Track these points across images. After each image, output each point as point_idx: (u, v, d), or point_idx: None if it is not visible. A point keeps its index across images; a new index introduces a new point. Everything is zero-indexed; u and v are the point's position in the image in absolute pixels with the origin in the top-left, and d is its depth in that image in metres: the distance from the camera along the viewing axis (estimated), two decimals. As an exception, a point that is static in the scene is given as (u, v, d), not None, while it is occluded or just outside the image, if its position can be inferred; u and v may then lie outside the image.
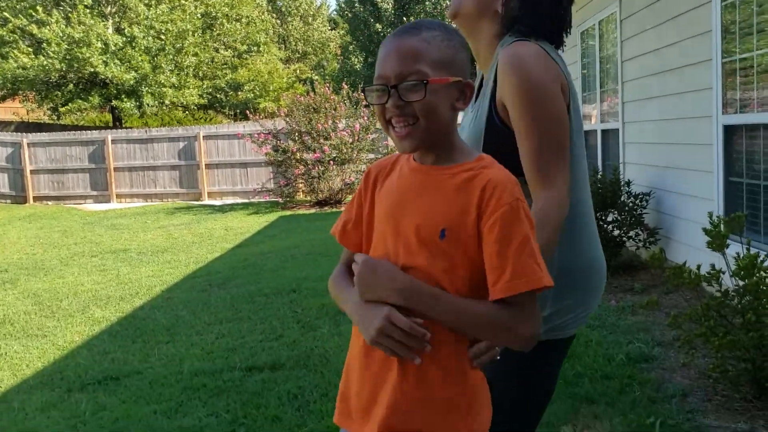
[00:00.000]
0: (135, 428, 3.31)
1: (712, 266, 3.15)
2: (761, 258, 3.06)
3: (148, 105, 20.72)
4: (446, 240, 1.25)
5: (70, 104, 20.65)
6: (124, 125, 22.76)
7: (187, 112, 25.26)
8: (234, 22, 23.70)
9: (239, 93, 24.13)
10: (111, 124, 23.14)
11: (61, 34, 19.34)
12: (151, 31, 20.41)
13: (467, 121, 1.76)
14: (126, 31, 20.25)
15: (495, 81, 1.63)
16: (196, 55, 21.66)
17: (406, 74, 1.26)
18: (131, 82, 19.95)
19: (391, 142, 15.43)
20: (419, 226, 1.28)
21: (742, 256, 3.09)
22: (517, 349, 1.29)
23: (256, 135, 13.77)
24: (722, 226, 3.25)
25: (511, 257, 1.21)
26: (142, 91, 20.42)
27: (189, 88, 21.54)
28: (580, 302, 1.69)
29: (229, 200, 15.77)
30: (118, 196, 16.41)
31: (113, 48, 19.93)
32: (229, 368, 4.08)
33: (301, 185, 13.61)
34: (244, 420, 3.32)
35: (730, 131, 4.56)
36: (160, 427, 3.30)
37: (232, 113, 27.34)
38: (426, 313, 1.25)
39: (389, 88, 1.27)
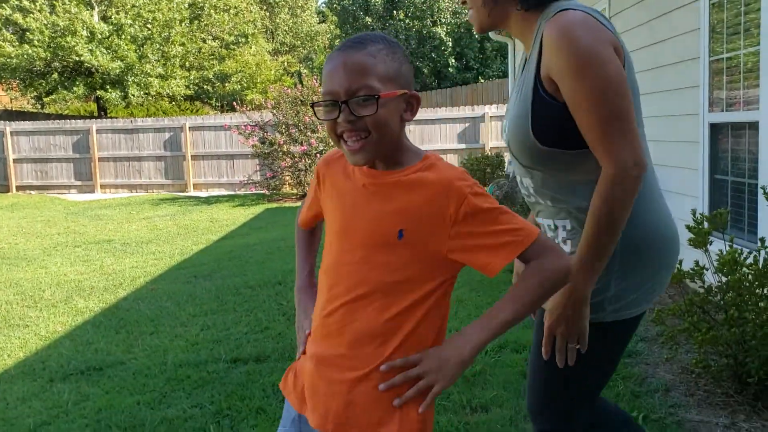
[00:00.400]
0: (118, 419, 3.28)
1: (696, 263, 3.18)
2: (744, 255, 3.09)
3: (133, 95, 20.54)
4: (404, 239, 1.32)
5: (54, 94, 20.42)
6: (109, 115, 22.57)
7: (173, 102, 25.07)
8: (222, 13, 23.54)
9: (226, 84, 23.99)
10: (96, 114, 22.94)
11: (45, 22, 19.11)
12: (138, 20, 20.22)
13: (511, 103, 1.71)
14: (112, 19, 20.03)
15: (539, 56, 1.56)
16: (183, 45, 21.49)
17: (355, 89, 1.29)
18: (117, 71, 19.76)
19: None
20: (374, 230, 1.34)
21: (724, 252, 3.11)
22: (567, 279, 1.37)
23: (243, 127, 13.70)
24: (705, 223, 3.27)
25: (502, 229, 1.31)
26: (128, 81, 20.24)
27: (175, 78, 21.37)
28: (649, 277, 1.62)
29: (215, 192, 15.71)
30: (103, 186, 16.28)
31: (99, 36, 19.73)
32: (214, 360, 4.06)
33: (287, 178, 13.57)
34: (228, 411, 3.31)
35: (716, 129, 4.60)
36: (144, 417, 3.28)
37: (219, 104, 27.20)
38: (498, 333, 1.35)
39: (340, 103, 1.29)
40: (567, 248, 1.65)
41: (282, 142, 13.00)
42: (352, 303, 1.36)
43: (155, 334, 4.70)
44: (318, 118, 1.36)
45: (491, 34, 12.05)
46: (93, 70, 20.11)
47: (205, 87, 23.74)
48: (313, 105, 1.35)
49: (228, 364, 3.99)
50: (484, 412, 3.14)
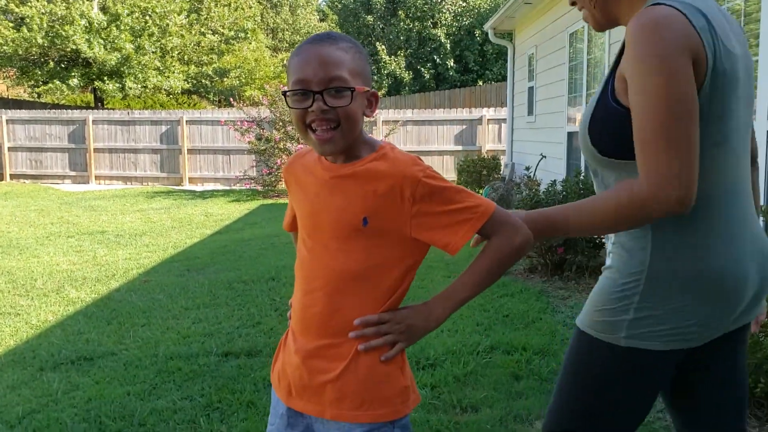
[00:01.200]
0: (108, 409, 3.28)
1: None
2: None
3: (131, 88, 20.47)
4: (370, 226, 1.37)
5: (49, 83, 20.32)
6: (105, 106, 22.50)
7: (170, 96, 25.02)
8: (222, 7, 23.50)
9: (224, 80, 23.95)
10: (92, 105, 22.86)
11: (42, 11, 19.03)
12: (136, 10, 20.14)
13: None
14: (110, 9, 19.95)
15: (620, 53, 1.45)
16: (181, 36, 21.42)
17: (328, 81, 1.32)
18: (113, 62, 19.68)
19: (374, 135, 15.38)
20: (337, 220, 1.40)
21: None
22: (524, 251, 1.43)
23: (239, 123, 13.69)
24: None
25: (458, 208, 1.36)
26: (125, 73, 20.16)
27: (173, 72, 21.30)
28: (682, 313, 1.44)
29: (210, 186, 15.69)
30: (97, 177, 16.24)
31: (97, 27, 19.66)
32: (205, 353, 4.06)
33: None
34: (219, 404, 3.31)
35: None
36: (134, 408, 3.28)
37: (217, 99, 27.14)
38: (458, 308, 1.45)
39: (313, 93, 1.32)
40: (609, 261, 1.55)
41: (278, 139, 12.99)
42: (331, 294, 1.41)
43: (147, 326, 4.70)
44: (289, 107, 1.38)
45: (492, 36, 12.07)
46: (90, 60, 20.03)
47: (203, 81, 23.69)
48: (285, 93, 1.37)
49: (219, 357, 3.99)
50: (474, 412, 3.15)
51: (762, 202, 3.60)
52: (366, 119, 1.46)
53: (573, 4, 1.62)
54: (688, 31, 1.33)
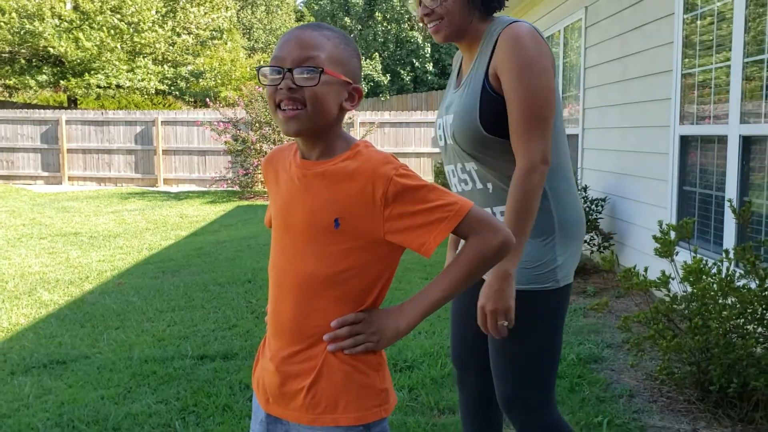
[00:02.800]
0: (81, 413, 3.23)
1: (663, 272, 3.23)
2: (709, 265, 3.15)
3: (100, 87, 20.14)
4: (341, 228, 1.35)
5: (17, 78, 19.93)
6: (79, 106, 22.17)
7: (145, 96, 24.73)
8: (198, 6, 23.26)
9: (200, 81, 23.73)
10: (66, 105, 22.52)
11: (14, 6, 18.69)
12: (108, 8, 19.84)
13: (456, 98, 1.93)
14: (81, 7, 19.63)
15: (491, 56, 1.83)
16: (154, 31, 21.07)
17: (301, 60, 1.32)
18: (83, 58, 19.34)
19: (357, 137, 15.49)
20: (309, 221, 1.37)
21: (689, 262, 3.17)
22: (505, 252, 1.40)
23: (216, 123, 13.59)
24: (671, 233, 3.33)
25: (432, 206, 1.32)
26: (95, 71, 19.83)
27: (146, 72, 21.01)
28: (577, 250, 1.92)
29: (186, 188, 15.54)
30: (71, 178, 16.01)
31: (67, 25, 19.35)
32: (181, 356, 4.02)
33: (259, 176, 13.49)
34: (194, 408, 3.27)
35: (686, 141, 4.68)
36: (108, 412, 3.23)
37: (192, 100, 26.90)
38: (431, 310, 1.41)
39: (284, 70, 1.33)
40: None
41: (255, 140, 12.91)
42: (301, 299, 1.39)
43: (121, 328, 4.64)
44: (261, 83, 1.38)
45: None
46: (61, 59, 19.71)
47: (179, 83, 23.43)
48: (258, 69, 1.37)
49: (195, 360, 3.96)
50: (451, 414, 3.16)
51: (733, 198, 3.68)
52: (345, 116, 1.43)
53: (427, 15, 1.89)
54: (545, 43, 1.80)
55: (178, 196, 13.74)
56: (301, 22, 34.73)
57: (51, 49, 19.02)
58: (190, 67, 22.60)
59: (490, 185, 1.88)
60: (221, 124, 13.50)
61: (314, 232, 1.37)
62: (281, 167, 1.47)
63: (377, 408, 1.39)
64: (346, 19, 24.20)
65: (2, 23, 18.67)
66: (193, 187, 15.51)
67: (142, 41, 20.49)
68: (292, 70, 1.32)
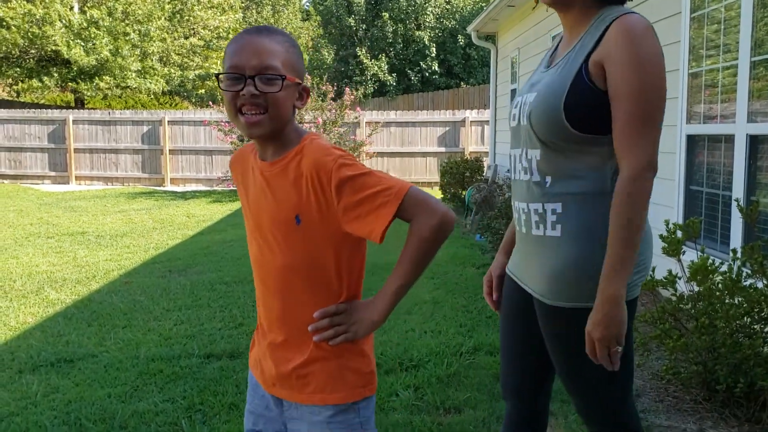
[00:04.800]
0: (88, 411, 3.25)
1: (669, 272, 3.23)
2: (716, 264, 3.14)
3: (107, 87, 20.21)
4: (303, 224, 1.43)
5: (26, 81, 20.03)
6: (86, 106, 22.25)
7: (152, 96, 24.80)
8: (206, 10, 23.30)
9: (207, 81, 23.77)
10: (73, 105, 22.60)
11: (22, 12, 18.77)
12: (116, 13, 19.91)
13: (545, 76, 1.78)
14: (89, 13, 19.71)
15: (595, 45, 1.67)
16: (162, 40, 21.22)
17: (262, 68, 1.39)
18: (92, 63, 19.45)
19: (358, 136, 15.32)
20: (274, 219, 1.46)
21: (695, 261, 3.17)
22: (444, 233, 1.41)
23: (222, 123, 13.63)
24: (678, 232, 3.33)
25: (372, 193, 1.37)
26: (103, 74, 19.91)
27: (153, 75, 21.07)
28: (648, 260, 1.76)
29: (192, 187, 15.58)
30: (78, 178, 16.08)
31: (76, 28, 19.42)
32: (187, 355, 4.03)
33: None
34: (201, 406, 3.28)
35: (693, 141, 4.67)
36: (114, 410, 3.25)
37: (199, 100, 26.96)
38: (397, 298, 1.46)
39: (246, 77, 1.39)
40: (556, 233, 1.69)
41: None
42: (284, 294, 1.49)
43: (128, 327, 4.66)
44: (221, 89, 1.44)
45: (474, 39, 12.11)
46: (69, 61, 19.77)
47: (186, 85, 23.48)
48: (217, 75, 1.44)
49: (201, 359, 3.97)
50: (457, 413, 3.16)
51: (740, 197, 3.67)
52: (347, 116, 1.50)
53: None
54: (658, 40, 1.66)
55: (185, 196, 13.78)
56: (308, 23, 34.83)
57: (61, 53, 19.08)
58: (197, 72, 22.62)
59: (549, 179, 1.71)
60: (227, 124, 13.53)
61: (280, 229, 1.45)
62: (246, 168, 1.56)
63: (362, 388, 1.51)
64: (350, 19, 24.19)
65: (12, 26, 18.75)
66: (200, 187, 15.55)
67: (152, 48, 20.54)
68: (254, 78, 1.39)
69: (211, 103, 15.30)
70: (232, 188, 14.47)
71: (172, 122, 15.62)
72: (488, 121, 13.45)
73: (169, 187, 15.57)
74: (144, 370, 3.81)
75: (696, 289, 3.15)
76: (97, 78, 19.81)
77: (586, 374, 1.73)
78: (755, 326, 2.99)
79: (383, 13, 23.64)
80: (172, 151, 15.68)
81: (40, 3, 19.09)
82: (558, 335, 1.74)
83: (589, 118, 1.64)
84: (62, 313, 5.08)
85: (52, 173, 16.17)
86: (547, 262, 1.71)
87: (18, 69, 20.35)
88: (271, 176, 1.46)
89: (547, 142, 1.70)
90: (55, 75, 20.02)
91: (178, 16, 22.38)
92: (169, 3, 21.68)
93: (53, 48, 19.08)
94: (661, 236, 3.33)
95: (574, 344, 1.68)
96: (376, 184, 1.37)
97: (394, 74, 23.62)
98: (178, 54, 22.30)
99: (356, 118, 14.53)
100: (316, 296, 1.47)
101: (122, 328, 4.63)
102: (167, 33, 21.38)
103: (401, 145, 15.06)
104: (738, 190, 3.97)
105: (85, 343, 4.31)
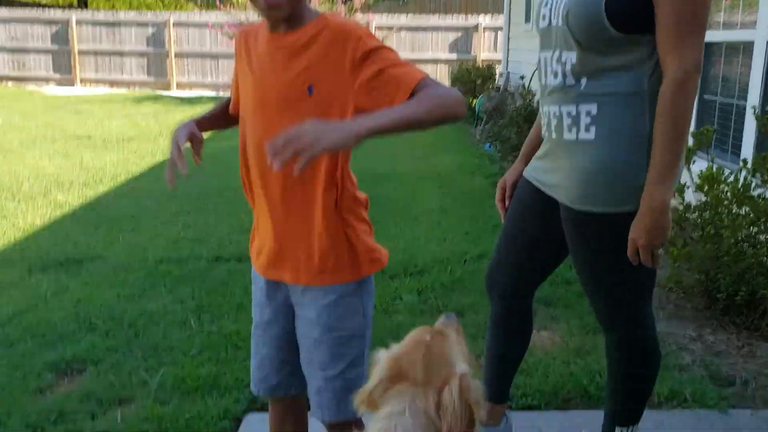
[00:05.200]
0: (97, 311, 3.31)
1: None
2: (725, 174, 3.10)
3: None
4: (315, 94, 1.39)
5: None
6: (89, 6, 21.70)
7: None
8: None
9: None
10: (75, 4, 22.04)
11: None
12: None
13: None
14: None
15: None
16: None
17: None
18: None
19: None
20: (283, 91, 1.42)
21: (704, 170, 3.13)
22: (455, 107, 1.34)
23: (227, 27, 13.29)
24: (690, 140, 3.27)
25: (398, 61, 1.37)
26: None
27: None
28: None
29: (199, 92, 15.38)
30: (83, 80, 15.87)
31: None
32: (195, 258, 4.08)
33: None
34: (209, 307, 3.35)
35: (709, 49, 4.52)
36: (123, 310, 3.31)
37: (204, 1, 26.20)
38: (374, 130, 1.24)
39: None
40: (590, 135, 1.65)
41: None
42: (287, 171, 1.32)
43: (135, 230, 4.70)
44: None
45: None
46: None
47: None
48: None
49: (209, 262, 4.02)
50: (458, 316, 3.20)
51: (757, 106, 3.59)
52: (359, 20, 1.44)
53: None
54: None
55: (191, 101, 13.63)
56: None
57: None
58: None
59: (583, 81, 1.66)
60: (233, 27, 13.19)
61: (289, 101, 1.41)
62: (252, 46, 1.51)
63: (367, 265, 1.53)
64: None
65: None
66: (206, 92, 15.35)
67: None
68: None
69: (218, 1, 14.86)
70: (238, 93, 14.28)
71: (177, 24, 15.24)
72: (502, 27, 13.06)
73: (175, 92, 15.38)
74: (152, 271, 3.86)
75: (704, 199, 3.13)
76: None
77: (613, 279, 1.75)
78: (760, 236, 2.98)
79: None
80: (177, 55, 15.38)
81: None
82: (588, 241, 1.73)
83: (630, 16, 1.57)
84: (69, 215, 5.13)
85: (57, 75, 15.95)
86: (578, 165, 1.68)
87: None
88: (285, 47, 1.43)
89: (583, 43, 1.63)
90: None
91: None
92: None
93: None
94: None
95: (605, 250, 1.70)
96: (400, 60, 1.38)
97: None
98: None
99: (367, 23, 14.13)
100: (316, 169, 1.43)
101: (130, 231, 4.67)
102: None
103: (411, 51, 14.70)
104: (754, 99, 3.87)
105: (93, 245, 4.36)
